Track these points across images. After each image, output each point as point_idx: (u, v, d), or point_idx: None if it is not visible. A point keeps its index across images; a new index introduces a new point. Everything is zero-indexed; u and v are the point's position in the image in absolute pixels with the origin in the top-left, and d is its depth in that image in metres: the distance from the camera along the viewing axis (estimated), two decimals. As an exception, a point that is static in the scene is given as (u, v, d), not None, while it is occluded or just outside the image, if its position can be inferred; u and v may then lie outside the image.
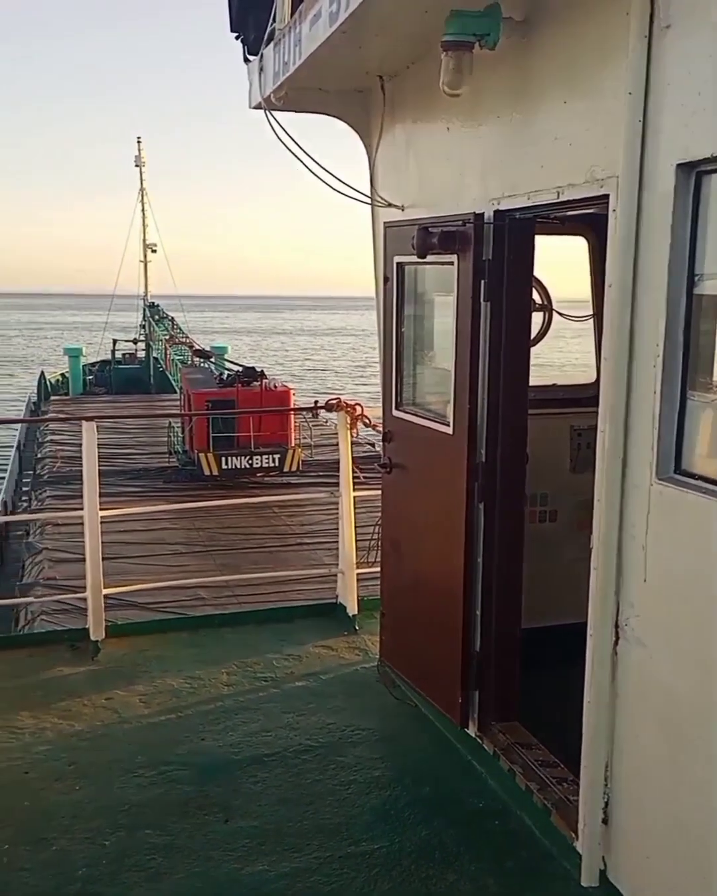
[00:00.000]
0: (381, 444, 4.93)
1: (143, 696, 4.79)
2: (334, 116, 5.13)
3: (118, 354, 41.62)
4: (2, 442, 32.34)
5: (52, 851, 3.43)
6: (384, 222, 4.68)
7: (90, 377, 41.36)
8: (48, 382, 39.77)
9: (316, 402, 6.04)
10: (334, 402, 5.85)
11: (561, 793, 3.49)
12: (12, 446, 28.76)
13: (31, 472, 25.06)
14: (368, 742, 4.28)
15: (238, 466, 21.86)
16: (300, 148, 4.44)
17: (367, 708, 4.64)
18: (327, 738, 4.29)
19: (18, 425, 31.33)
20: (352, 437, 5.89)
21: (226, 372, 26.20)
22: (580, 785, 3.15)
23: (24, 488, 24.54)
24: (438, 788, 3.88)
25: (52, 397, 38.02)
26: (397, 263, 4.51)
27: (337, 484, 5.88)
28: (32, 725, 4.46)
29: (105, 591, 5.42)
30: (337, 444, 6.05)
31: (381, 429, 4.97)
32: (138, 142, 44.07)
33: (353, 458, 5.96)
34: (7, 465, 26.59)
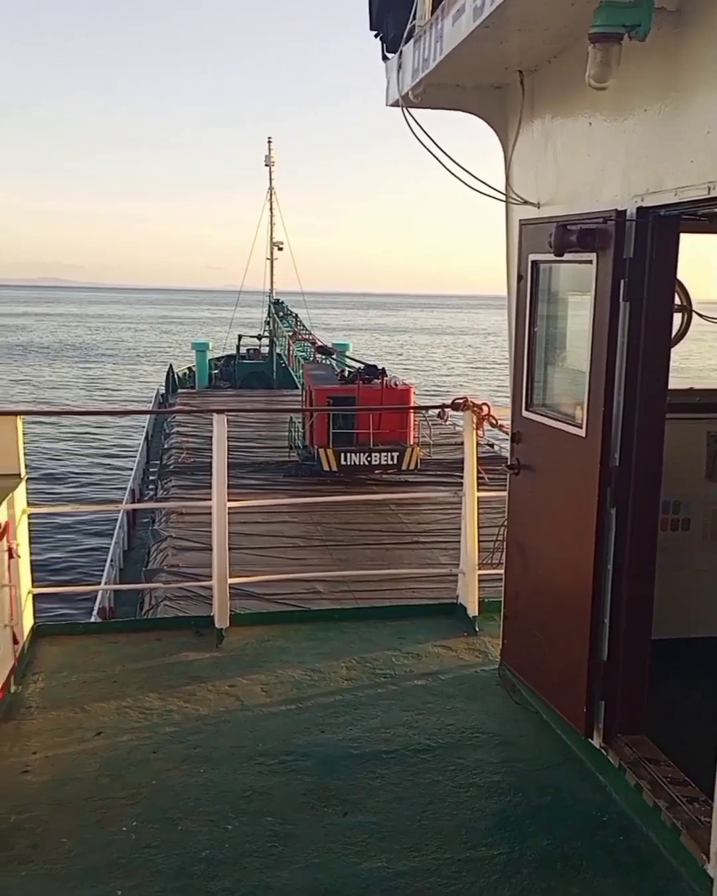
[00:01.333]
0: (508, 444, 4.87)
1: (264, 685, 4.87)
2: (471, 113, 5.08)
3: (243, 350, 42.59)
4: (132, 433, 33.65)
5: (178, 831, 3.53)
6: (520, 220, 4.61)
7: (215, 371, 42.51)
8: (176, 376, 41.04)
9: (448, 402, 5.98)
10: (461, 401, 5.80)
11: (692, 813, 3.36)
12: (141, 437, 29.82)
13: (157, 462, 25.93)
14: (487, 746, 4.23)
15: (357, 463, 22.03)
16: (437, 145, 4.42)
17: (487, 711, 4.59)
18: (446, 740, 4.27)
19: (147, 416, 32.44)
20: (478, 437, 5.83)
21: (347, 369, 26.45)
22: (714, 806, 3.02)
23: (151, 478, 25.40)
24: (560, 798, 3.80)
25: (180, 390, 39.23)
26: (532, 261, 4.43)
27: (455, 484, 5.82)
28: (160, 707, 4.60)
29: (230, 581, 5.54)
30: (455, 444, 6.01)
31: (507, 429, 4.91)
32: (269, 142, 44.90)
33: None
34: (136, 454, 27.58)
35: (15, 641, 4.88)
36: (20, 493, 5.28)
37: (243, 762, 4.05)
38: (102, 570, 16.69)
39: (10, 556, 4.86)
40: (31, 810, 3.67)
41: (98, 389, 53.81)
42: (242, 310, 43.92)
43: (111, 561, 16.85)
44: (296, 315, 41.08)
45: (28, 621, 5.34)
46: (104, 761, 4.07)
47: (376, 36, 5.22)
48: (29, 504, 5.52)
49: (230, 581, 5.54)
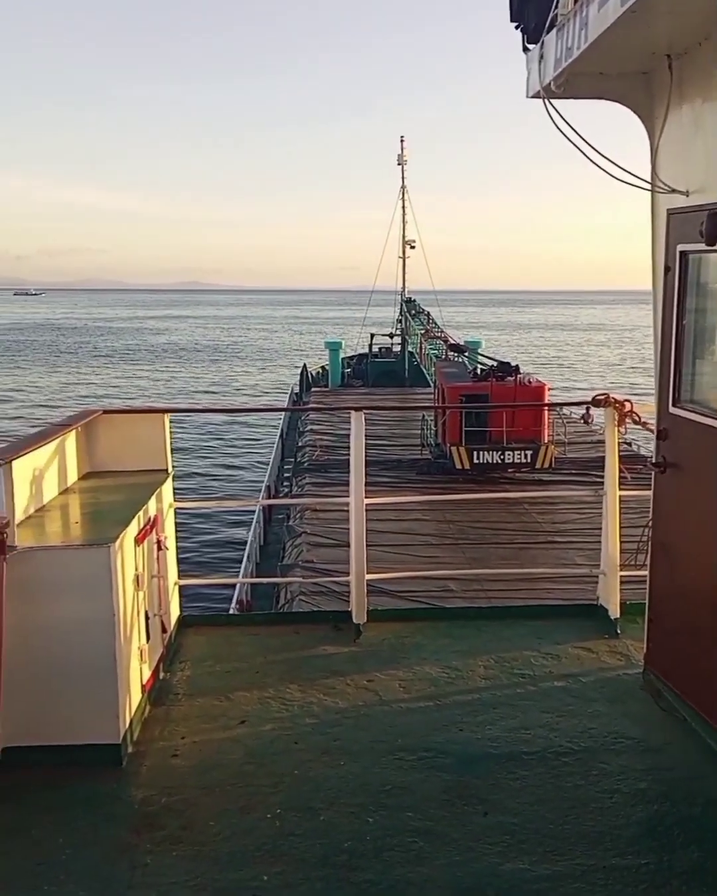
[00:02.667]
0: (646, 442, 4.71)
1: (402, 681, 4.89)
2: (614, 101, 4.94)
3: (375, 348, 42.90)
4: (267, 430, 34.47)
5: (320, 821, 3.59)
6: (667, 209, 4.45)
7: (348, 370, 42.99)
8: (310, 375, 41.75)
9: (586, 399, 5.84)
10: (602, 397, 5.65)
11: None
12: (276, 435, 30.48)
13: (292, 460, 26.45)
14: (632, 752, 4.11)
15: (489, 461, 21.83)
16: (580, 136, 4.32)
17: (631, 716, 4.46)
18: (588, 743, 4.17)
19: (281, 414, 33.10)
20: (619, 434, 5.67)
21: (479, 366, 26.24)
22: None
23: (285, 475, 25.93)
24: (710, 809, 3.65)
25: (313, 389, 39.90)
26: (681, 252, 4.27)
27: (590, 483, 5.67)
28: (300, 699, 4.69)
29: (368, 577, 5.59)
30: (590, 443, 5.86)
31: (651, 426, 4.75)
32: (401, 141, 45.04)
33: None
34: (271, 452, 28.22)
35: (164, 630, 5.08)
36: (167, 488, 5.49)
37: (383, 756, 4.08)
38: (239, 565, 17.16)
39: (160, 548, 5.06)
40: (181, 793, 3.81)
41: (232, 388, 55.33)
42: (374, 309, 44.28)
43: (248, 555, 17.29)
44: (428, 313, 41.07)
45: (175, 611, 5.54)
46: (248, 749, 4.18)
47: (516, 27, 5.15)
48: (175, 499, 5.73)
49: (368, 577, 5.59)
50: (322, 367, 44.26)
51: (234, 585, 15.14)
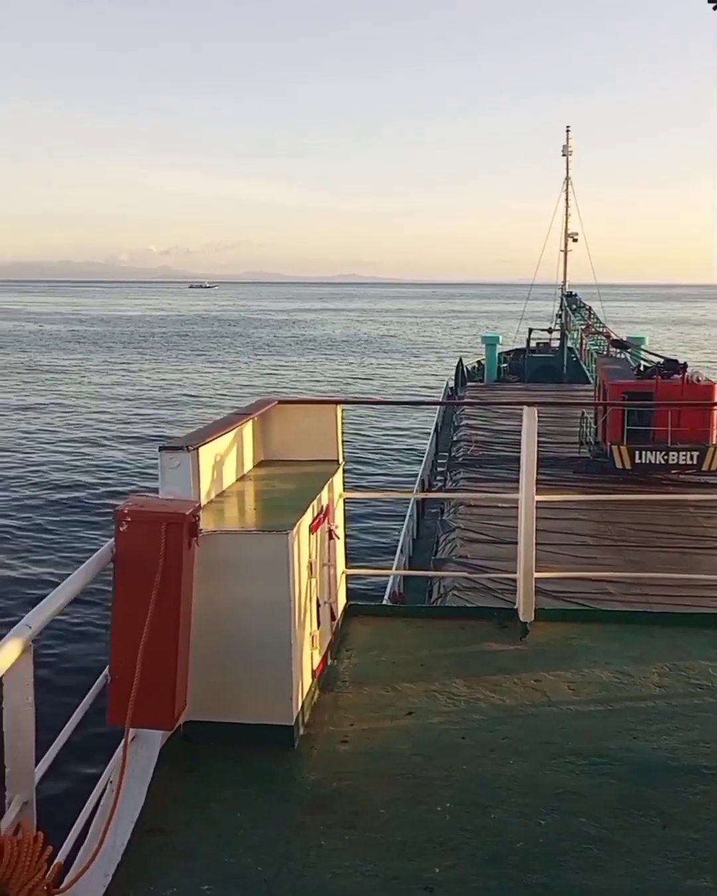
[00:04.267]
0: None
1: (571, 683, 4.78)
2: None
3: (533, 343, 42.16)
4: (421, 425, 34.53)
5: (491, 819, 3.55)
6: None
7: (504, 365, 42.44)
8: (465, 369, 41.47)
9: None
10: None
11: None
12: (430, 429, 30.47)
13: (446, 454, 26.38)
14: None
15: (652, 461, 21.04)
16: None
17: None
18: None
19: (436, 408, 33.05)
20: None
21: (643, 363, 25.33)
22: None
23: (439, 469, 25.89)
24: None
25: (469, 383, 39.61)
26: None
27: None
28: (467, 694, 4.66)
29: (536, 575, 5.49)
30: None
31: None
32: (567, 131, 43.96)
33: None
34: (425, 445, 28.24)
35: (332, 618, 5.16)
36: (338, 478, 5.57)
37: (553, 759, 4.00)
38: (390, 557, 17.25)
39: (331, 538, 5.14)
40: (351, 779, 3.86)
41: (384, 382, 55.72)
42: (533, 303, 43.49)
43: (401, 548, 17.38)
44: (589, 307, 39.95)
45: (341, 600, 5.63)
46: (416, 741, 4.19)
47: (714, 8, 4.93)
48: (344, 489, 5.80)
49: (536, 575, 5.50)
50: (478, 362, 43.87)
51: (387, 576, 15.23)
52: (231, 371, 60.12)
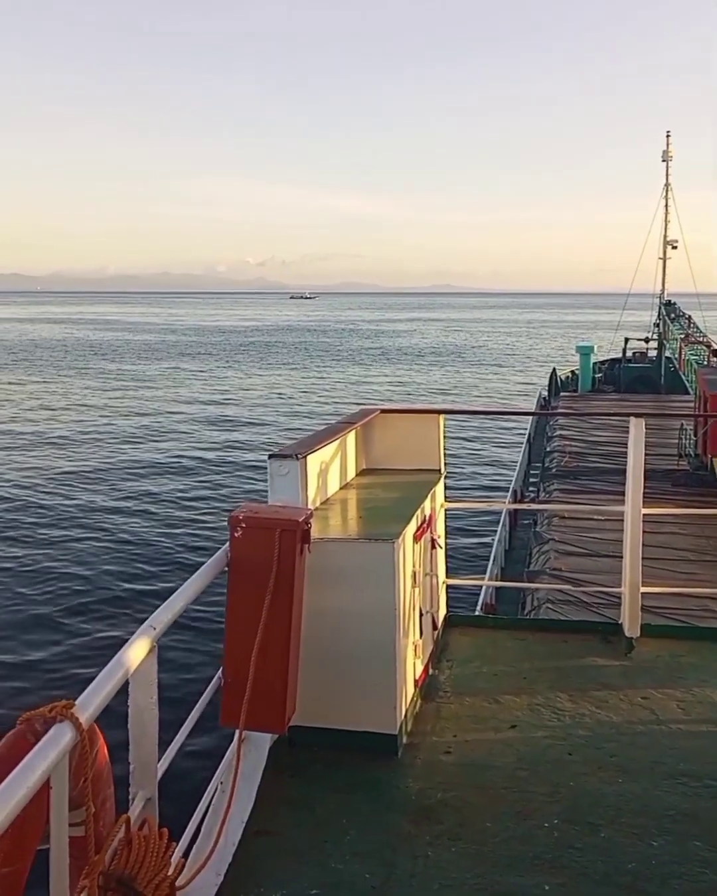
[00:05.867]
0: None
1: (680, 702, 4.66)
2: None
3: (629, 353, 41.28)
4: (514, 435, 34.19)
5: (600, 838, 3.49)
6: None
7: (599, 375, 41.65)
8: (559, 379, 40.86)
9: None
10: None
11: None
12: (522, 438, 30.11)
13: (539, 464, 26.02)
14: None
15: (756, 475, 20.38)
16: None
17: None
18: None
19: (529, 419, 32.64)
20: None
21: (747, 374, 24.54)
22: None
23: (532, 479, 25.55)
24: None
25: (562, 393, 39.01)
26: None
27: None
28: (572, 710, 4.59)
29: (643, 590, 5.38)
30: None
31: None
32: (667, 136, 42.99)
33: None
34: (518, 456, 27.93)
35: (434, 627, 5.15)
36: (440, 488, 5.57)
37: (664, 779, 3.90)
38: (485, 567, 17.10)
39: (433, 547, 5.14)
40: (456, 790, 3.84)
41: (475, 392, 55.35)
42: (629, 312, 42.61)
43: (493, 558, 17.21)
44: (689, 317, 38.94)
45: (442, 610, 5.61)
46: (520, 755, 4.15)
47: None
48: (446, 499, 5.80)
49: (643, 590, 5.38)
50: (572, 372, 43.16)
51: (480, 586, 15.11)
52: (321, 380, 60.65)
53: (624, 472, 5.46)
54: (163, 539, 19.11)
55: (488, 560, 17.24)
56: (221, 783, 3.61)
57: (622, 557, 5.52)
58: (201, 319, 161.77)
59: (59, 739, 1.97)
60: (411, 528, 4.49)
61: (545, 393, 39.71)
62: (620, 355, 41.65)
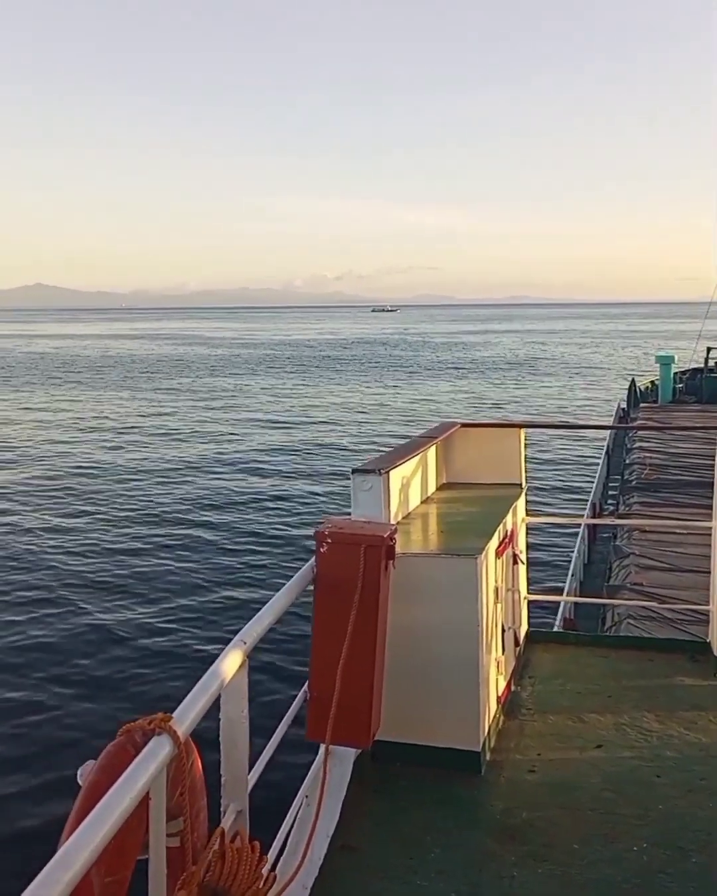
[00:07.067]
0: None
1: None
2: None
3: (712, 362, 40.30)
4: (592, 447, 33.66)
5: (691, 863, 3.41)
6: None
7: (680, 385, 40.75)
8: (638, 390, 40.11)
9: None
10: None
11: None
12: (601, 451, 29.61)
13: (618, 477, 25.56)
14: None
15: None
16: None
17: None
18: None
19: (607, 431, 32.09)
20: None
21: None
22: None
23: (611, 492, 25.10)
24: None
25: (641, 404, 38.27)
26: None
27: None
28: (659, 730, 4.49)
29: None
30: None
31: None
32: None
33: None
34: (596, 468, 27.48)
35: (516, 643, 5.11)
36: (521, 503, 5.53)
37: None
38: (561, 581, 16.85)
39: (515, 563, 5.11)
40: (541, 810, 3.80)
41: (551, 404, 54.64)
42: (712, 321, 41.61)
43: (572, 572, 16.96)
44: (775, 325, 37.83)
45: (524, 626, 5.56)
46: (606, 775, 4.08)
47: None
48: (528, 513, 5.75)
49: None
50: (651, 382, 42.32)
51: (558, 601, 14.90)
52: (395, 393, 60.69)
53: (708, 484, 5.35)
54: (243, 552, 19.34)
55: (566, 574, 17.02)
56: (306, 796, 3.64)
57: (706, 573, 5.40)
58: (277, 333, 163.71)
59: (158, 751, 2.02)
60: (494, 543, 4.47)
61: (624, 404, 39.03)
62: (702, 365, 40.69)
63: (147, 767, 1.94)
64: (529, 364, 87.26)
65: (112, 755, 2.10)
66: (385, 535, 3.72)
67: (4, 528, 20.61)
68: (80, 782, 2.12)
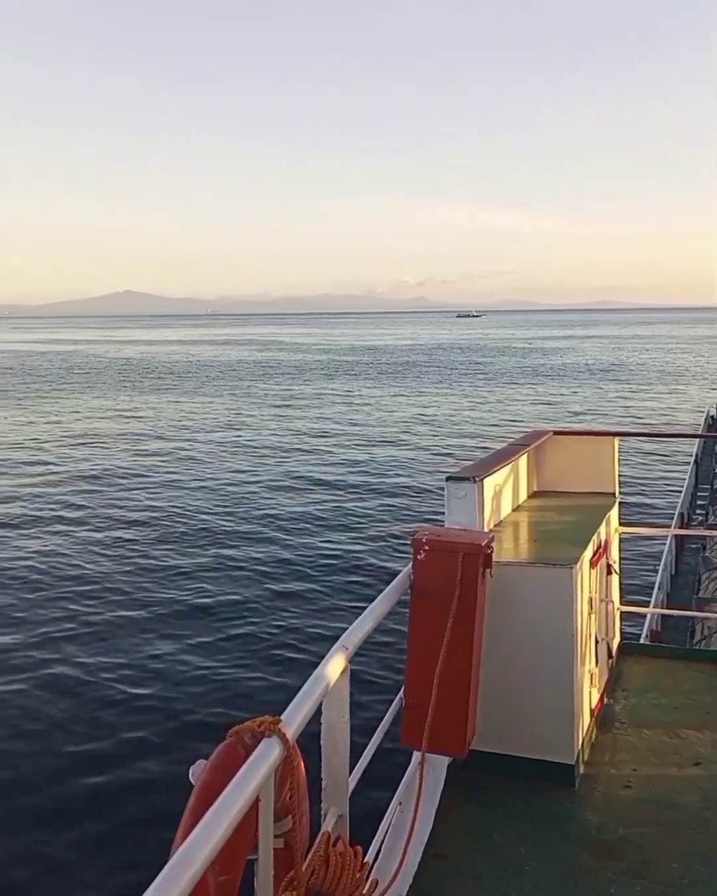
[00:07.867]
0: None
1: None
2: None
3: None
4: (680, 456, 32.87)
5: None
6: None
7: (772, 392, 39.52)
8: (729, 398, 39.05)
9: None
10: None
11: None
12: (690, 460, 28.91)
13: (707, 487, 24.91)
14: None
15: None
16: None
17: None
18: None
19: (695, 440, 31.31)
20: None
21: None
22: None
23: (700, 502, 24.47)
24: None
25: (733, 413, 37.26)
26: None
27: None
28: None
29: None
30: None
31: None
32: None
33: None
34: (684, 477, 26.82)
35: (609, 656, 5.03)
36: (614, 512, 5.44)
37: None
38: (650, 594, 16.48)
39: (609, 573, 5.03)
40: (637, 827, 3.73)
41: (634, 411, 53.49)
42: None
43: (659, 584, 16.58)
44: None
45: (617, 637, 5.47)
46: (706, 794, 3.98)
47: None
48: (621, 523, 5.66)
49: None
50: (743, 390, 41.16)
51: (647, 613, 14.59)
52: (477, 399, 60.28)
53: None
54: (337, 557, 19.42)
55: (653, 586, 16.63)
56: (401, 803, 3.64)
57: None
58: (359, 339, 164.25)
59: (268, 754, 2.06)
60: (588, 553, 4.41)
61: (714, 413, 38.04)
62: None
63: (259, 769, 1.98)
64: (614, 371, 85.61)
65: (223, 756, 2.14)
66: (483, 544, 3.70)
67: (127, 534, 21.02)
68: (192, 780, 2.17)
